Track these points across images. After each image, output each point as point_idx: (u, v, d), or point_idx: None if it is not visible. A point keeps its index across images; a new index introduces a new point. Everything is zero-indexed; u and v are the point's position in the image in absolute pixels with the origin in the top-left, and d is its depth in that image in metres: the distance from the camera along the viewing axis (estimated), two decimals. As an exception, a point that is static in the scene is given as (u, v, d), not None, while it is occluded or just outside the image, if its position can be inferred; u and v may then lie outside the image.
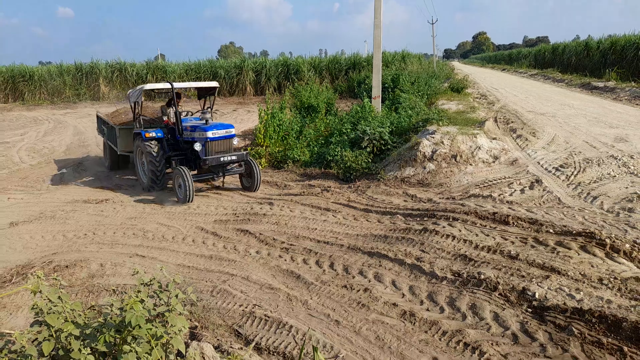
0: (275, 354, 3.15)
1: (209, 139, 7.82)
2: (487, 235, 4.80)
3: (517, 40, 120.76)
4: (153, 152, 8.22)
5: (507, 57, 58.59)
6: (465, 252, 4.47)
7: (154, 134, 8.48)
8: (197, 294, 4.24)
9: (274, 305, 3.89)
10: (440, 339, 3.18)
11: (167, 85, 8.62)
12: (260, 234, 5.88)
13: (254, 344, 3.27)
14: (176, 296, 2.17)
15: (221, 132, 8.01)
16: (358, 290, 4.02)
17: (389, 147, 9.34)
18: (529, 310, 3.38)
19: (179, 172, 7.62)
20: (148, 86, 8.82)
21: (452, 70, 36.10)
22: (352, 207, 6.54)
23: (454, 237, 4.85)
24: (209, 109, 9.51)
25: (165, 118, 9.16)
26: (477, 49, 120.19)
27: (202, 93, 10.05)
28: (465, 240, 4.74)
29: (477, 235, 4.85)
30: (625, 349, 2.79)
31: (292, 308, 3.83)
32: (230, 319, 3.73)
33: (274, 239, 5.60)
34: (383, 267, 4.46)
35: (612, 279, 3.62)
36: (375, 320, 3.51)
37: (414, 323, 3.41)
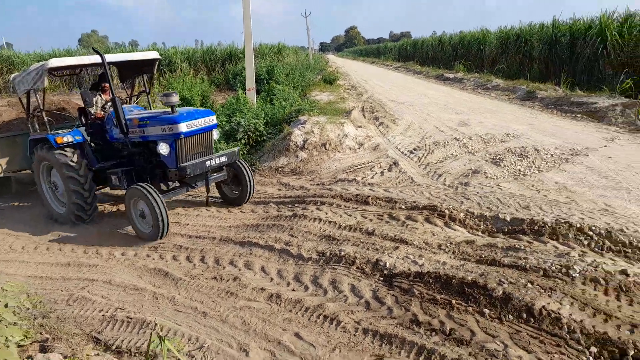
0: (136, 354, 3.06)
1: (182, 135, 5.24)
2: (350, 216, 5.18)
3: (385, 35, 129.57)
4: (73, 165, 5.66)
5: (375, 51, 62.64)
6: (330, 232, 4.78)
7: (69, 138, 5.84)
8: (51, 304, 3.89)
9: (138, 306, 3.75)
10: (302, 315, 3.38)
11: (93, 59, 5.93)
12: (127, 233, 5.57)
13: (113, 347, 3.13)
14: (5, 305, 2.00)
15: (199, 123, 5.43)
16: (227, 280, 4.07)
17: (264, 138, 9.44)
18: (381, 279, 3.77)
19: (139, 193, 5.06)
20: (55, 62, 5.71)
21: (326, 63, 37.48)
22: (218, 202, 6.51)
23: (320, 220, 5.14)
24: (144, 93, 7.12)
25: (92, 110, 6.43)
26: (350, 43, 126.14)
27: (132, 71, 7.06)
28: (330, 222, 5.05)
29: (341, 216, 5.21)
30: (454, 302, 3.27)
31: (158, 306, 3.73)
32: (88, 326, 3.50)
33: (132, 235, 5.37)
34: (254, 255, 4.56)
35: (448, 244, 4.19)
36: (243, 306, 3.59)
37: (280, 304, 3.57)
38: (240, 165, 6.07)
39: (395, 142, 8.45)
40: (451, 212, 4.82)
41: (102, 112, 6.40)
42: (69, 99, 9.47)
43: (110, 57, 6.10)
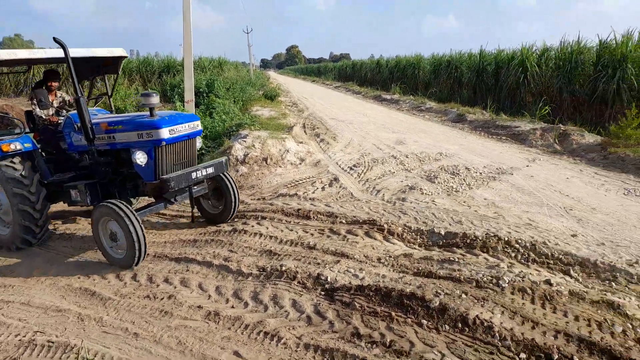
0: (58, 381, 2.79)
1: (164, 142, 4.51)
2: (291, 230, 5.15)
3: (325, 55, 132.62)
4: (22, 180, 4.83)
5: (316, 70, 63.77)
6: (271, 247, 4.70)
7: (18, 145, 5.03)
8: (-45, 331, 3.46)
9: (60, 329, 3.44)
10: (242, 333, 3.27)
11: (51, 53, 5.14)
12: (49, 251, 5.13)
13: (30, 375, 2.83)
14: None
15: (183, 129, 4.71)
16: (162, 299, 3.85)
17: (203, 151, 9.20)
18: (322, 293, 3.75)
19: (110, 211, 4.30)
20: (3, 55, 4.77)
21: (267, 79, 37.54)
22: (162, 215, 6.23)
23: (261, 235, 5.05)
24: (104, 96, 6.27)
25: (44, 113, 5.56)
26: (291, 61, 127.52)
27: (92, 69, 6.05)
28: (271, 237, 4.98)
29: (282, 231, 5.15)
30: (393, 314, 3.33)
31: (84, 328, 3.45)
32: (2, 353, 3.16)
33: (65, 255, 4.96)
34: (190, 272, 4.37)
35: (387, 258, 4.27)
36: (179, 325, 3.41)
37: (218, 322, 3.43)
38: (224, 177, 5.42)
39: (336, 158, 8.58)
40: (390, 226, 4.94)
41: (57, 116, 5.61)
42: (13, 104, 8.59)
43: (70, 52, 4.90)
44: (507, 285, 3.52)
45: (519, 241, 4.30)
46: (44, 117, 5.62)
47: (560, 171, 7.23)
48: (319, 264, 4.20)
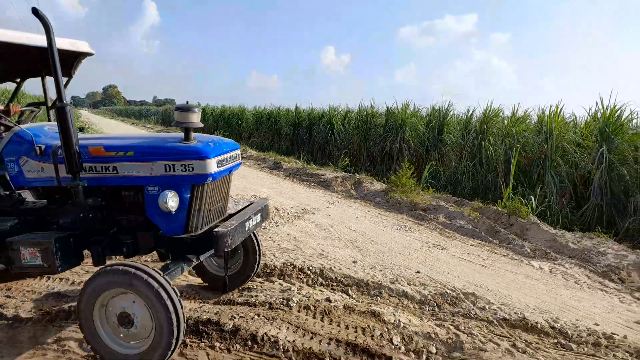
0: None
1: (210, 179, 3.14)
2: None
3: (148, 99, 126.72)
4: None
5: (137, 113, 60.49)
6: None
7: None
8: None
9: None
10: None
11: (17, 37, 3.42)
12: None
13: None
14: None
15: (229, 159, 3.42)
16: None
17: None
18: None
19: (127, 279, 2.76)
20: None
21: (78, 117, 34.05)
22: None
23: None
24: (40, 107, 4.49)
25: None
26: (109, 101, 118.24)
27: (29, 65, 4.29)
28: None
29: (76, 273, 4.75)
30: (187, 340, 3.41)
31: None
32: None
33: None
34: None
35: (189, 291, 4.34)
36: None
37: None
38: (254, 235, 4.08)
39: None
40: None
41: None
42: None
43: (9, 37, 3.41)
44: (294, 304, 3.96)
45: (310, 268, 4.89)
46: None
47: (353, 211, 8.42)
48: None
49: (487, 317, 3.95)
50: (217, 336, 3.45)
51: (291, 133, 21.27)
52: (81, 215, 3.27)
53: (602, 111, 10.12)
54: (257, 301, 4.02)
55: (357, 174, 12.14)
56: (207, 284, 4.34)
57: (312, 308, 3.93)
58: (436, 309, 4.16)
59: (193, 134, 3.23)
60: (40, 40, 3.54)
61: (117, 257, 4.35)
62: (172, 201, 3.03)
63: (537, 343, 3.58)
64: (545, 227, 7.19)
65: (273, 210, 7.74)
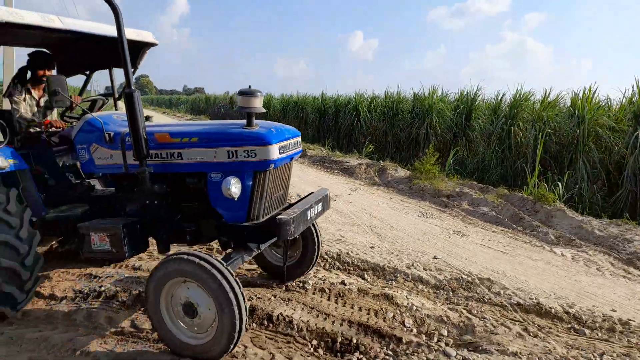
0: None
1: (272, 165, 3.14)
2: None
3: (178, 88, 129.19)
4: (5, 217, 3.28)
5: (168, 102, 61.85)
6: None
7: (3, 162, 3.44)
8: None
9: None
10: (47, 352, 3.19)
11: (89, 27, 3.65)
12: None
13: None
14: None
15: (291, 146, 3.39)
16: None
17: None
18: (142, 309, 3.85)
19: (189, 268, 2.79)
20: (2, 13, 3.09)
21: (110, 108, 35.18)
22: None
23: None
24: (109, 98, 4.70)
25: (26, 114, 4.03)
26: (141, 91, 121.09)
27: (101, 57, 4.44)
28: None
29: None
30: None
31: None
32: None
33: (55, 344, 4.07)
34: None
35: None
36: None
37: (20, 344, 3.27)
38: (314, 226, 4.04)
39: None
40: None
41: (60, 121, 4.05)
42: None
43: (83, 27, 3.60)
44: (310, 287, 4.10)
45: (328, 253, 5.01)
46: (36, 121, 4.01)
47: (374, 198, 8.47)
48: (141, 282, 4.27)
49: (501, 302, 3.97)
50: (235, 315, 3.63)
51: (317, 120, 21.31)
52: (147, 202, 3.32)
53: (638, 93, 9.72)
54: (274, 283, 4.18)
55: (381, 161, 12.14)
56: (267, 272, 4.32)
57: (327, 291, 4.05)
58: (450, 293, 4.20)
59: (255, 121, 3.22)
60: (109, 30, 3.71)
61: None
62: (235, 187, 3.02)
63: (550, 328, 3.58)
64: (572, 214, 7.05)
65: (295, 198, 7.89)
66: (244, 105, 3.08)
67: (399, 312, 3.78)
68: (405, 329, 3.53)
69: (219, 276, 2.72)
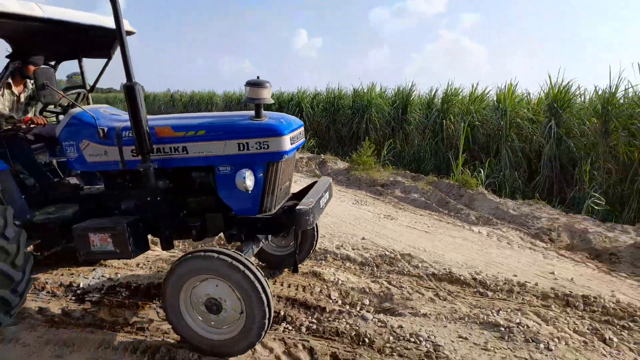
0: None
1: (286, 156, 3.13)
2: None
3: (116, 86, 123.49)
4: None
5: (104, 100, 59.18)
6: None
7: None
8: None
9: None
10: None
11: (74, 15, 3.46)
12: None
13: None
14: None
15: (298, 136, 3.37)
16: None
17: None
18: (73, 297, 3.87)
19: (214, 265, 2.73)
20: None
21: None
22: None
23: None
24: (79, 89, 4.28)
25: (4, 111, 3.70)
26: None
27: (71, 47, 4.18)
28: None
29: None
30: (140, 303, 3.71)
31: None
32: None
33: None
34: None
35: (146, 262, 4.62)
36: None
37: (-58, 337, 3.23)
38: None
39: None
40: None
41: (41, 118, 3.76)
42: None
43: (64, 15, 3.40)
44: (242, 269, 4.29)
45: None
46: (15, 117, 3.72)
47: (313, 189, 8.76)
48: (72, 274, 4.28)
49: (418, 273, 4.36)
50: (167, 298, 3.76)
51: (261, 117, 21.37)
52: (148, 198, 3.21)
53: (550, 88, 10.67)
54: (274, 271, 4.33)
55: (322, 155, 12.46)
56: (263, 263, 4.31)
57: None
58: (375, 268, 4.55)
59: (269, 112, 3.21)
60: (83, 17, 3.56)
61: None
62: (249, 180, 2.98)
63: (458, 292, 4.01)
64: (491, 197, 7.69)
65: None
66: (252, 96, 3.03)
67: (325, 287, 4.06)
68: (330, 300, 3.82)
69: (242, 267, 2.67)
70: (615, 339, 3.21)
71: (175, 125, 3.18)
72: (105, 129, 3.21)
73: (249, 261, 2.76)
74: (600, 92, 9.55)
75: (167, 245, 3.38)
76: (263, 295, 2.69)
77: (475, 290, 4.06)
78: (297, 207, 2.97)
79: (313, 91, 19.39)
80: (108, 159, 3.26)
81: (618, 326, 3.41)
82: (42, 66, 3.52)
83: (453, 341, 3.19)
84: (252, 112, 3.15)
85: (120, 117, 3.51)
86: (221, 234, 3.45)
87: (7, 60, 3.77)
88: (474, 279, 4.24)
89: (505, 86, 11.47)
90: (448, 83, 13.65)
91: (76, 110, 3.40)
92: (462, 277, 4.24)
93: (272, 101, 3.13)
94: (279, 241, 4.22)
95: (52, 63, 4.43)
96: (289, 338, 3.20)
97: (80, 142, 3.30)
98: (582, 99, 10.87)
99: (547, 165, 9.84)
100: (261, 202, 3.16)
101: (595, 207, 7.01)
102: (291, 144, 3.13)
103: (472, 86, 12.86)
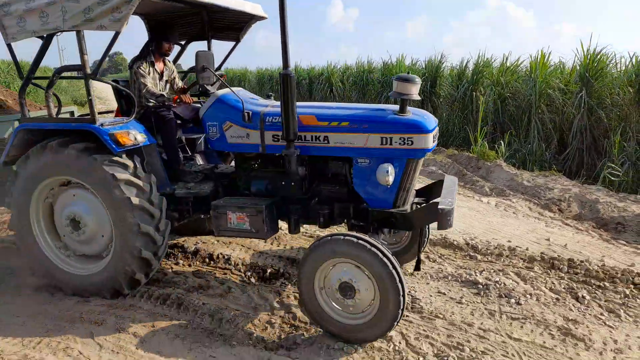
0: None
1: (427, 152, 3.15)
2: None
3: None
4: (138, 183, 3.25)
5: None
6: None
7: (139, 136, 3.41)
8: None
9: None
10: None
11: None
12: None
13: None
14: None
15: (436, 133, 3.25)
16: None
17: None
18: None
19: (352, 250, 2.74)
20: None
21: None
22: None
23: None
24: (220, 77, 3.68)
25: (153, 90, 3.79)
26: (115, 69, 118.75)
27: (197, 29, 4.39)
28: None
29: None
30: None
31: None
32: None
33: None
34: None
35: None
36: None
37: None
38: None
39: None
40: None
41: (188, 97, 3.92)
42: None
43: None
44: (250, 232, 4.71)
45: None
46: (165, 95, 3.83)
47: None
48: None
49: (414, 238, 4.61)
50: (182, 256, 4.25)
51: (293, 92, 21.61)
52: (283, 182, 3.33)
53: (583, 56, 10.29)
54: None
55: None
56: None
57: (265, 235, 4.67)
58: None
59: (413, 109, 3.19)
60: (238, 4, 3.71)
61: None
62: (391, 175, 2.99)
63: (449, 255, 4.25)
64: (508, 169, 7.70)
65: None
66: (400, 91, 2.98)
67: (326, 250, 4.40)
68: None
69: (380, 255, 2.67)
70: (587, 297, 3.39)
71: (320, 114, 3.23)
72: (250, 113, 3.29)
73: (387, 249, 2.74)
74: (634, 60, 9.16)
75: (295, 229, 3.46)
76: (399, 286, 2.67)
77: (465, 253, 4.28)
78: (440, 207, 2.87)
79: (343, 65, 19.39)
80: (249, 141, 3.37)
81: (594, 286, 3.56)
82: (203, 50, 3.51)
83: (432, 295, 3.48)
84: (382, 105, 3.27)
85: (258, 101, 3.58)
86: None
87: (146, 39, 3.99)
88: (467, 243, 4.45)
89: (537, 55, 11.14)
90: (479, 53, 13.33)
91: (221, 92, 3.50)
92: (455, 242, 4.46)
93: (419, 97, 3.13)
94: (389, 238, 3.99)
95: (182, 42, 4.57)
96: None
97: (224, 123, 3.43)
98: (618, 67, 10.44)
99: (577, 137, 9.62)
100: (396, 197, 3.16)
101: (612, 178, 6.91)
102: (434, 142, 3.09)
103: (504, 56, 12.49)
